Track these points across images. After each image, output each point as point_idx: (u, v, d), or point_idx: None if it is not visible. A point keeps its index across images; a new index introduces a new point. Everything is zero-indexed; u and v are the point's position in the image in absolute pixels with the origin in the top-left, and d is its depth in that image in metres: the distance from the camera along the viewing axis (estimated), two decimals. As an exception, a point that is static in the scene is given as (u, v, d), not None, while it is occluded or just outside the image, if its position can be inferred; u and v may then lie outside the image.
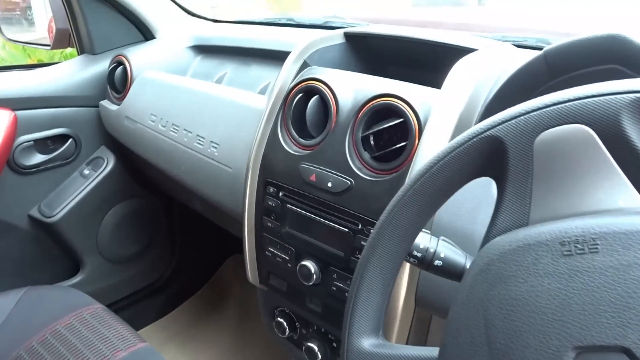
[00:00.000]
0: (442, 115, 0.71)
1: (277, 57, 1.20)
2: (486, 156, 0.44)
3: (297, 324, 0.98)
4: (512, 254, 0.40)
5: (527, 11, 1.75)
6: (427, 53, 0.90)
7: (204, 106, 1.06)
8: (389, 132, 0.78)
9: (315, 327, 0.94)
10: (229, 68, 1.27)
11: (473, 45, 0.80)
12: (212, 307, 1.83)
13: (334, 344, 0.92)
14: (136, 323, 1.51)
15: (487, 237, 0.45)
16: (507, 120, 0.42)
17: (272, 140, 0.88)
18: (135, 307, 1.65)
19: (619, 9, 1.31)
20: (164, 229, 1.68)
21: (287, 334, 0.98)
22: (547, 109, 0.40)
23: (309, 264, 0.83)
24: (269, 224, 0.88)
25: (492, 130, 0.43)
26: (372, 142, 0.78)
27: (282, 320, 0.98)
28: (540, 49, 0.65)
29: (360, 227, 0.76)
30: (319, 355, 0.91)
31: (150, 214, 1.60)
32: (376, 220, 0.74)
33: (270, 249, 0.90)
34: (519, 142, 0.41)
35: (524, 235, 0.40)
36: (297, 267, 0.84)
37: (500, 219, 0.44)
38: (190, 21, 1.52)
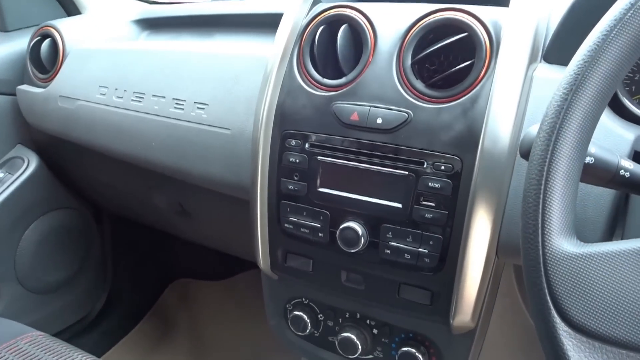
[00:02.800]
0: (518, 30, 0.61)
1: (247, 24, 1.05)
2: None
3: (320, 316, 0.80)
4: None
5: None
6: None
7: (180, 65, 0.87)
8: (439, 55, 0.67)
9: (347, 315, 0.77)
10: (187, 41, 1.09)
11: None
12: (155, 343, 1.54)
13: (375, 331, 0.76)
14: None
15: None
16: None
17: (289, 85, 0.72)
18: (64, 349, 1.32)
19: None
20: (96, 249, 1.39)
21: (307, 330, 0.80)
22: None
23: (355, 226, 0.67)
24: (291, 187, 0.71)
25: None
26: (416, 69, 0.66)
27: (301, 313, 0.79)
28: None
29: (425, 165, 0.63)
30: (359, 347, 0.74)
31: (80, 230, 1.31)
32: (448, 154, 0.63)
33: (292, 218, 0.72)
34: None
35: None
36: (337, 232, 0.68)
37: None
38: (124, 2, 1.31)
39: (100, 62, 0.99)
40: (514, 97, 0.60)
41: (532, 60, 0.62)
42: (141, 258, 1.57)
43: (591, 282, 0.35)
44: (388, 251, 0.66)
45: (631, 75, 0.68)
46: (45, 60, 1.07)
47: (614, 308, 0.34)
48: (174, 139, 0.85)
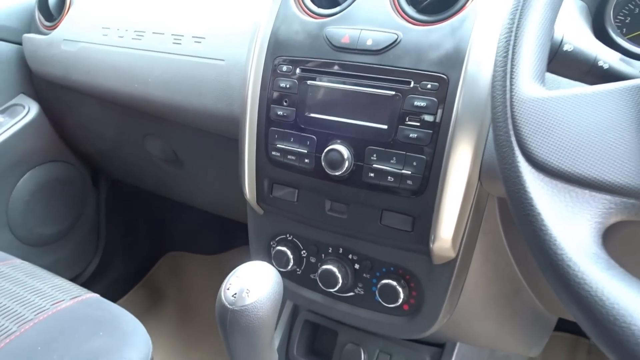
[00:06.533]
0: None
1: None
2: None
3: (303, 252, 0.79)
4: None
5: None
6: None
7: (180, 3, 0.89)
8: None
9: (330, 250, 0.77)
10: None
11: None
12: (143, 311, 1.53)
13: (356, 266, 0.75)
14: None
15: None
16: None
17: (284, 14, 0.73)
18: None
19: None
20: (90, 209, 1.39)
21: (289, 267, 0.79)
22: None
23: (340, 147, 0.67)
24: (280, 113, 0.72)
25: None
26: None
27: (284, 248, 0.79)
28: None
29: (412, 84, 0.63)
30: (340, 279, 0.74)
31: (75, 186, 1.32)
32: (434, 73, 0.63)
33: (279, 145, 0.72)
34: None
35: None
36: (322, 155, 0.68)
37: None
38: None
39: (105, 7, 1.01)
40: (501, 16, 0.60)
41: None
42: (135, 228, 1.57)
43: (555, 121, 0.35)
44: (372, 174, 0.66)
45: (622, 18, 0.69)
46: (52, 8, 1.10)
47: (577, 146, 0.34)
48: (169, 74, 0.86)
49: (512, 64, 0.37)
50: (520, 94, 0.36)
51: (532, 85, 0.36)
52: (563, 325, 1.07)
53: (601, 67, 0.46)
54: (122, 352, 0.67)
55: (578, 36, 0.47)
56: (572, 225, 0.34)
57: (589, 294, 0.32)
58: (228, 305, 0.49)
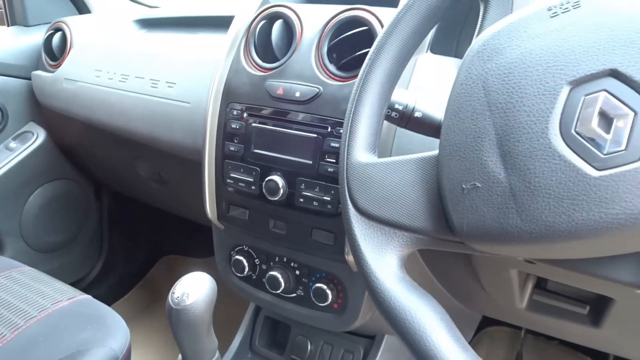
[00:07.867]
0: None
1: (223, 24, 1.23)
2: None
3: (256, 260, 0.96)
4: (505, 30, 0.46)
5: None
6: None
7: (157, 52, 1.06)
8: (354, 45, 0.83)
9: (277, 259, 0.93)
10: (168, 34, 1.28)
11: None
12: (140, 311, 1.71)
13: (297, 272, 0.92)
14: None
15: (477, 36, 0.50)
16: None
17: (236, 67, 0.90)
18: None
19: None
20: (93, 219, 1.58)
21: (245, 272, 0.96)
22: None
23: (276, 178, 0.83)
24: (232, 148, 0.88)
25: None
26: (334, 56, 0.83)
27: (241, 258, 0.95)
28: None
29: (329, 129, 0.79)
30: (282, 283, 0.90)
31: (79, 200, 1.51)
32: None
33: (232, 175, 0.89)
34: None
35: (514, 15, 0.46)
36: (263, 183, 0.84)
37: (487, 21, 0.50)
38: (128, 5, 1.52)
39: (98, 52, 1.19)
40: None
41: (419, 50, 0.78)
42: (134, 234, 1.75)
43: (372, 180, 0.51)
44: (302, 200, 0.83)
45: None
46: (55, 50, 1.28)
47: (384, 198, 0.50)
48: (148, 112, 1.03)
49: (349, 139, 0.53)
50: (352, 161, 0.52)
51: (362, 154, 0.52)
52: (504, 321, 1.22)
53: None
54: (105, 342, 0.84)
55: (429, 103, 0.62)
56: (381, 253, 0.50)
57: (383, 299, 0.48)
58: (173, 306, 0.66)
